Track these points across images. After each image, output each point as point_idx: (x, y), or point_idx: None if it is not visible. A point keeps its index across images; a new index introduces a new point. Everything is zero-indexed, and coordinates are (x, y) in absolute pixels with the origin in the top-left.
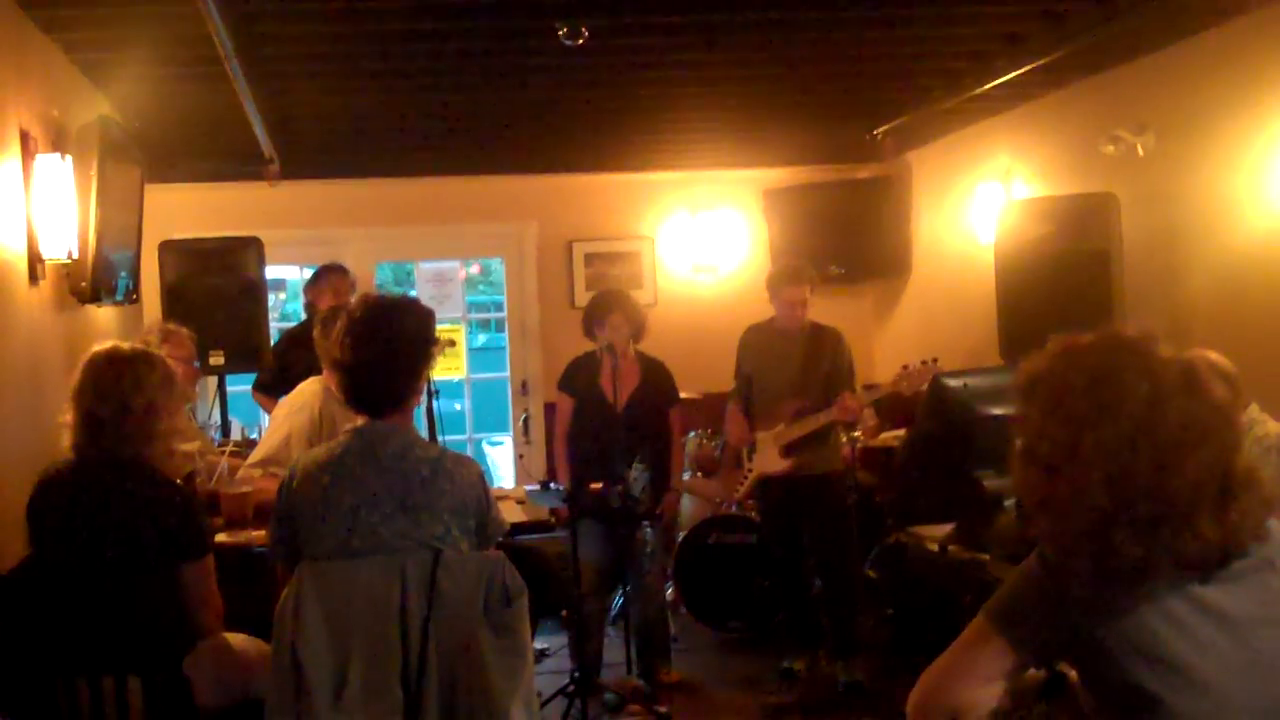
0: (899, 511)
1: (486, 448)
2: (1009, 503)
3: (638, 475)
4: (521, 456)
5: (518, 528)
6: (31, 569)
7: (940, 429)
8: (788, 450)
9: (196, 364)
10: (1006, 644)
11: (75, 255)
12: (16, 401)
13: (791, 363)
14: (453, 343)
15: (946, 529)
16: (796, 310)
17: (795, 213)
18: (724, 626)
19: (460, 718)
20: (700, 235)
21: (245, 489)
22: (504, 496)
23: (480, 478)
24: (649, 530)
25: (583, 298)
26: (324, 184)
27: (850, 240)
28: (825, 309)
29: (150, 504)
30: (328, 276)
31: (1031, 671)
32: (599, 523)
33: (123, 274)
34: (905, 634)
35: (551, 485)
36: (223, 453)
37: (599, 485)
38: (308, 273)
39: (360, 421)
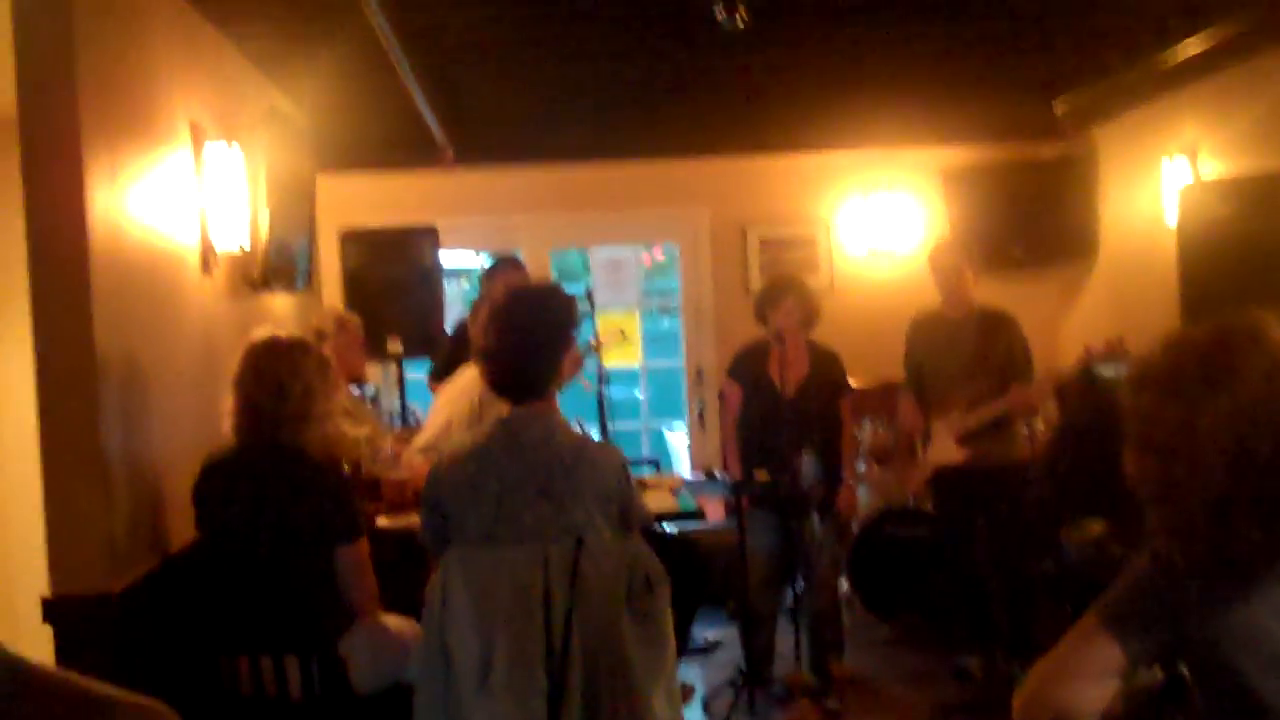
0: (1050, 507)
1: (667, 433)
2: None
3: (807, 465)
4: (696, 446)
5: (667, 517)
6: (197, 552)
7: (1091, 420)
8: (964, 440)
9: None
10: (1115, 642)
11: (245, 247)
12: (189, 388)
13: (963, 349)
14: (622, 333)
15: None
16: (951, 283)
17: (976, 194)
18: (898, 621)
19: (603, 704)
20: (877, 218)
21: (405, 474)
22: (659, 485)
23: (623, 465)
24: (819, 522)
25: (757, 284)
26: (498, 169)
27: (1034, 222)
28: (1008, 294)
29: (305, 488)
30: (502, 270)
31: (1149, 674)
32: (769, 512)
33: (300, 262)
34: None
35: (717, 474)
36: (393, 436)
37: (765, 475)
38: (485, 261)
39: (507, 410)
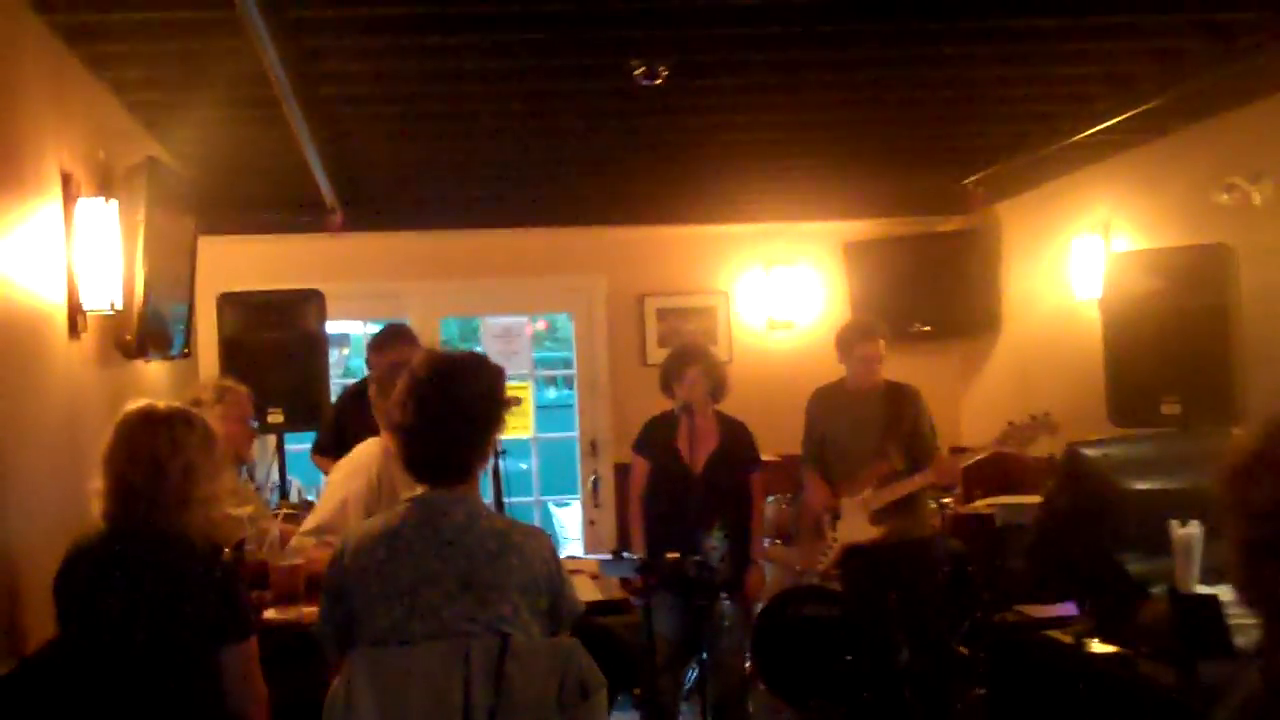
0: (1027, 592)
1: (554, 509)
2: (1157, 590)
3: (716, 544)
4: (593, 523)
5: (593, 607)
6: (59, 652)
7: (1076, 504)
8: (877, 517)
9: (254, 423)
10: None
11: (119, 306)
12: (51, 465)
13: (870, 424)
14: (518, 400)
15: (1055, 610)
16: (871, 367)
17: (877, 267)
18: (805, 705)
19: None
20: (777, 291)
21: (297, 560)
22: (576, 571)
23: (552, 552)
24: (727, 603)
25: (655, 354)
26: (388, 235)
27: (936, 296)
28: (910, 367)
29: (187, 580)
30: (395, 345)
31: None
32: (674, 594)
33: (177, 327)
34: (1002, 716)
35: (625, 555)
36: (277, 516)
37: (675, 555)
38: (371, 327)
39: (420, 489)
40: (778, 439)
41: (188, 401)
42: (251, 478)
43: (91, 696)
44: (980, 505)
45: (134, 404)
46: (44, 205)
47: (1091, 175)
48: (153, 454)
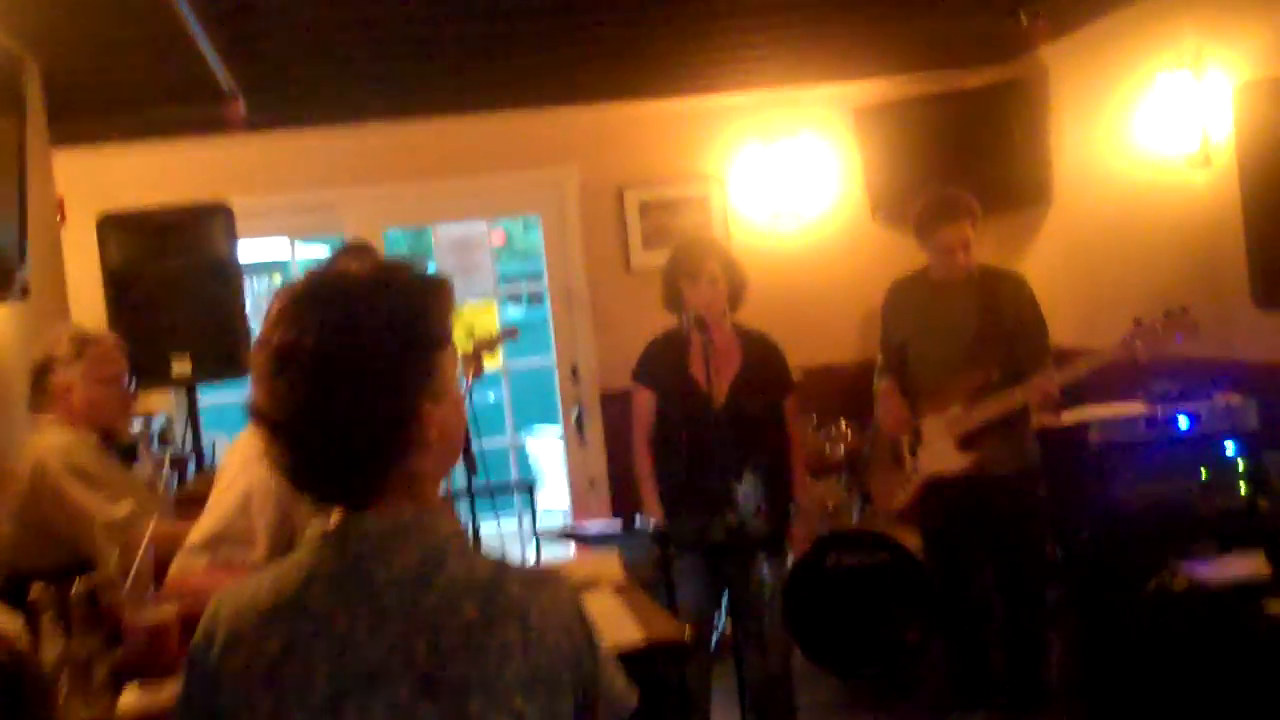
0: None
1: (530, 442)
2: None
3: (749, 491)
4: (572, 468)
5: (640, 661)
6: None
7: None
8: (967, 442)
9: (130, 383)
10: None
11: None
12: None
13: (963, 324)
14: (514, 333)
15: (1230, 567)
16: (958, 256)
17: (895, 136)
18: (854, 674)
19: None
20: (779, 171)
21: (165, 615)
22: (594, 578)
23: (579, 616)
24: (766, 565)
25: (640, 258)
26: (308, 132)
27: (968, 165)
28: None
29: None
30: (349, 259)
31: None
32: (699, 556)
33: (16, 259)
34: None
35: (637, 521)
36: (168, 519)
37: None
38: (305, 249)
39: (335, 516)
40: (794, 350)
41: (38, 360)
42: (132, 457)
43: None
44: (1068, 417)
45: None
46: None
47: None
48: None
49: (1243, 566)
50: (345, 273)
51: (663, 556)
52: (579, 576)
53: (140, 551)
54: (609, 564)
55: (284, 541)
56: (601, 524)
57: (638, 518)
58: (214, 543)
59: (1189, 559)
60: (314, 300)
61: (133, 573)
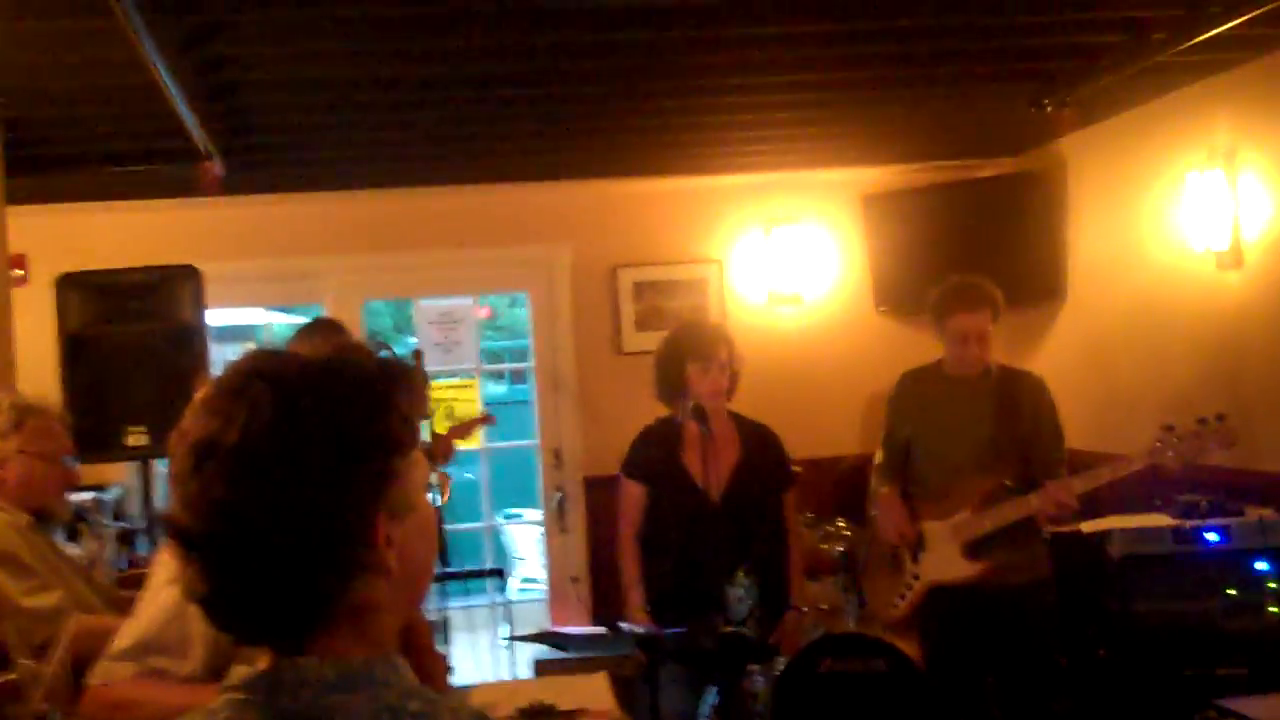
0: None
1: (503, 525)
2: None
3: (742, 594)
4: (553, 558)
5: None
6: None
7: None
8: (974, 549)
9: (72, 460)
10: None
11: None
12: None
13: (977, 424)
14: (491, 419)
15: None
16: (972, 347)
17: (905, 224)
18: None
19: None
20: (781, 256)
21: None
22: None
23: None
24: (759, 676)
25: (633, 340)
26: (289, 197)
27: (979, 258)
28: (938, 345)
29: None
30: (310, 338)
31: None
32: (685, 665)
33: None
34: None
35: (624, 627)
36: (96, 617)
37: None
38: (284, 318)
39: (262, 661)
40: (789, 441)
41: None
42: (73, 536)
43: None
44: (1087, 526)
45: None
46: None
47: (1199, 94)
48: None
49: None
50: (292, 355)
51: (648, 664)
52: (564, 706)
53: (58, 652)
54: (597, 691)
55: (223, 657)
56: (583, 629)
57: (624, 625)
58: (141, 650)
59: (1228, 695)
60: (248, 385)
61: (48, 676)
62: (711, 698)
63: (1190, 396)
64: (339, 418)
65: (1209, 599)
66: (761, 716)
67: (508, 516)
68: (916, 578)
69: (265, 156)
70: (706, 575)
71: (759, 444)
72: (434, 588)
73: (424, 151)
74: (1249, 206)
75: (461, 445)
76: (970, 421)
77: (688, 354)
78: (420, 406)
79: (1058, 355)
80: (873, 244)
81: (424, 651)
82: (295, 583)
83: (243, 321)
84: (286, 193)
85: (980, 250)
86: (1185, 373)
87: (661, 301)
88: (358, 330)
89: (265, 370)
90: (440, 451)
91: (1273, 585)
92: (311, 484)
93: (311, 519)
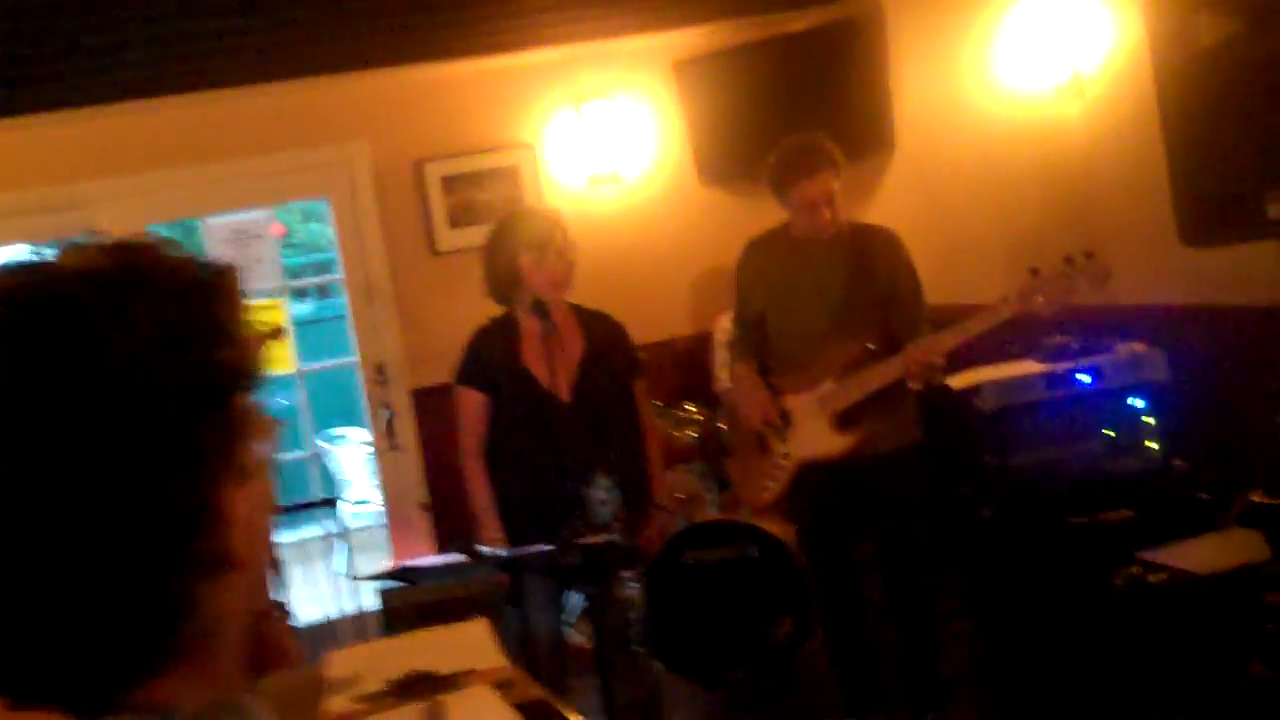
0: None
1: (325, 447)
2: None
3: (604, 496)
4: (387, 479)
5: None
6: None
7: None
8: (844, 420)
9: None
10: None
11: None
12: None
13: (831, 288)
14: (279, 331)
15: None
16: (823, 212)
17: (719, 88)
18: (721, 681)
19: None
20: (594, 134)
21: None
22: (457, 685)
23: None
24: (629, 583)
25: (447, 238)
26: (44, 119)
27: (799, 117)
28: (770, 210)
29: None
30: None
31: None
32: (547, 579)
33: None
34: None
35: (484, 550)
36: None
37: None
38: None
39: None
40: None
41: None
42: None
43: None
44: (955, 381)
45: None
46: None
47: None
48: None
49: (1231, 551)
50: (63, 269)
51: (512, 585)
52: (445, 669)
53: None
54: (479, 643)
55: None
56: (437, 558)
57: (484, 549)
58: None
59: (1154, 547)
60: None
61: None
62: (576, 601)
63: (1040, 238)
64: (153, 350)
65: (1087, 443)
66: (637, 623)
67: (331, 439)
68: (786, 457)
69: (9, 73)
70: (564, 481)
71: (604, 335)
72: None
73: (192, 50)
74: (1087, 32)
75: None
76: (825, 286)
77: (520, 244)
78: (252, 323)
79: (893, 209)
80: (690, 113)
81: (276, 641)
82: (99, 608)
83: None
84: (41, 112)
85: (802, 107)
86: (1032, 214)
87: (474, 194)
88: None
89: (26, 294)
90: None
91: (1149, 420)
92: (119, 451)
93: (122, 504)
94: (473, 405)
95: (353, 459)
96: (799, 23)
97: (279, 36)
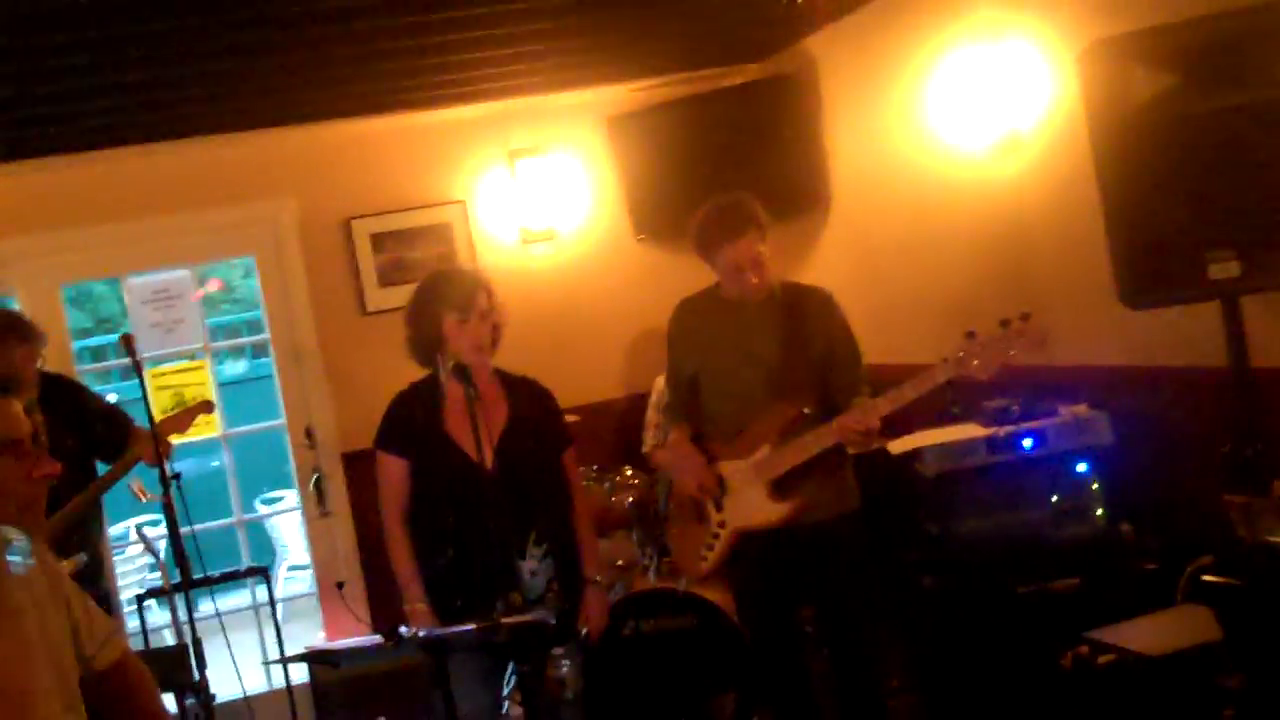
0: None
1: (266, 510)
2: None
3: (536, 565)
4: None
5: None
6: None
7: None
8: (780, 488)
9: None
10: None
11: None
12: None
13: (763, 349)
14: (208, 406)
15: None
16: (748, 275)
17: (652, 144)
18: None
19: None
20: (527, 190)
21: None
22: None
23: None
24: (565, 662)
25: (377, 297)
26: None
27: (734, 172)
28: (701, 268)
29: None
30: None
31: None
32: (476, 655)
33: None
34: None
35: (404, 631)
36: None
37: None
38: None
39: None
40: (558, 394)
41: None
42: None
43: None
44: (894, 446)
45: None
46: None
47: None
48: None
49: (1181, 630)
50: None
51: (437, 667)
52: None
53: None
54: None
55: None
56: (355, 640)
57: (404, 629)
58: None
59: (1101, 625)
60: None
61: None
62: (511, 680)
63: (977, 297)
64: None
65: (1031, 509)
66: (571, 703)
67: (266, 501)
68: (723, 525)
69: None
70: (491, 552)
71: (529, 401)
72: (189, 596)
73: (117, 106)
74: (1021, 87)
75: (179, 440)
76: (758, 348)
77: (443, 305)
78: None
79: (827, 267)
80: (624, 169)
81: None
82: None
83: None
84: None
85: (735, 164)
86: (967, 274)
87: (404, 252)
88: (60, 321)
89: None
90: (160, 450)
91: (1096, 486)
92: None
93: None
94: (394, 471)
95: (289, 524)
96: (733, 78)
97: (203, 90)
